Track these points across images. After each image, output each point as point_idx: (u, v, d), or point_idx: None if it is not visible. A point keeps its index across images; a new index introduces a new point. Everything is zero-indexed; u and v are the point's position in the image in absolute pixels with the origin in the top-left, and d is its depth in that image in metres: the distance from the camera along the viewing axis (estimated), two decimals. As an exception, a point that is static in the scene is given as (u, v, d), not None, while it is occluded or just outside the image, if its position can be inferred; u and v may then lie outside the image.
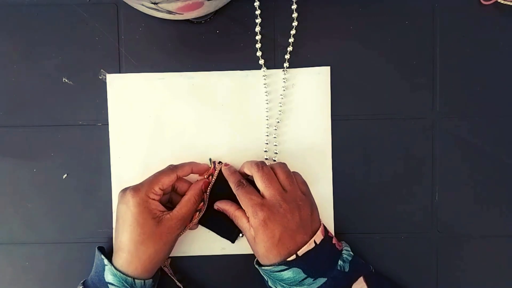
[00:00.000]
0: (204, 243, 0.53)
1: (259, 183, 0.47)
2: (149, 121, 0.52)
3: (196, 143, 0.52)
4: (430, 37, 0.53)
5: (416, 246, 0.53)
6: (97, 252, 0.49)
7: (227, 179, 0.50)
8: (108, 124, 0.52)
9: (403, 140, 0.53)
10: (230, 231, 0.52)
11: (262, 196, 0.47)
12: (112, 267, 0.46)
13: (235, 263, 0.53)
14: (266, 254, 0.46)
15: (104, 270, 0.47)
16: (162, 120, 0.52)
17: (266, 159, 0.52)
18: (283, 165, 0.49)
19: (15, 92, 0.53)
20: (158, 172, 0.48)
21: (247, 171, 0.49)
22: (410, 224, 0.53)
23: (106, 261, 0.47)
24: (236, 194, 0.49)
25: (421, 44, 0.53)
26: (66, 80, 0.53)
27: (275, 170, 0.48)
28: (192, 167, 0.50)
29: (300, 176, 0.51)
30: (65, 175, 0.53)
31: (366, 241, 0.53)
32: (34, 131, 0.53)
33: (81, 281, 0.49)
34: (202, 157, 0.52)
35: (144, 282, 0.47)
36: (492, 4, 0.52)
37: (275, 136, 0.52)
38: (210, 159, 0.52)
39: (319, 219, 0.49)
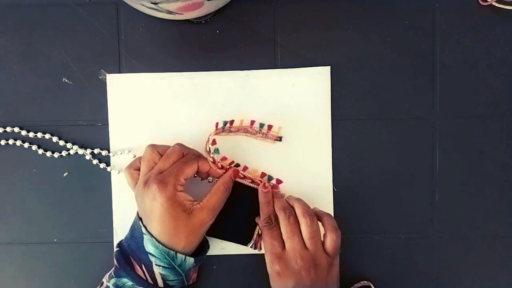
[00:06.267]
0: (204, 243, 0.53)
1: (283, 231, 0.48)
2: (149, 121, 0.52)
3: (196, 143, 0.52)
4: (430, 37, 0.53)
5: (416, 246, 0.53)
6: (138, 220, 0.47)
7: (260, 205, 0.50)
8: (108, 124, 0.53)
9: (403, 140, 0.53)
10: (243, 236, 0.52)
11: (283, 244, 0.48)
12: (154, 240, 0.45)
13: (235, 263, 0.53)
14: None
15: (143, 239, 0.46)
16: (162, 120, 0.52)
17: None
18: (311, 223, 0.48)
19: (15, 92, 0.53)
20: (180, 163, 0.47)
21: (275, 208, 0.50)
22: (410, 224, 0.53)
23: (144, 230, 0.46)
24: (260, 229, 0.50)
25: (421, 44, 0.53)
26: (66, 80, 0.53)
27: (301, 225, 0.48)
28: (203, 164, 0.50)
29: (334, 239, 0.48)
30: (66, 173, 0.53)
31: (366, 241, 0.53)
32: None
33: (117, 243, 0.48)
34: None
35: (185, 257, 0.46)
36: (490, 4, 0.52)
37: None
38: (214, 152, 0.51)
39: (337, 277, 0.48)
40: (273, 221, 0.49)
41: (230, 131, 0.52)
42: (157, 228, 0.45)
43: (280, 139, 0.52)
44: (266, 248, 0.48)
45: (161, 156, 0.48)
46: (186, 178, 0.47)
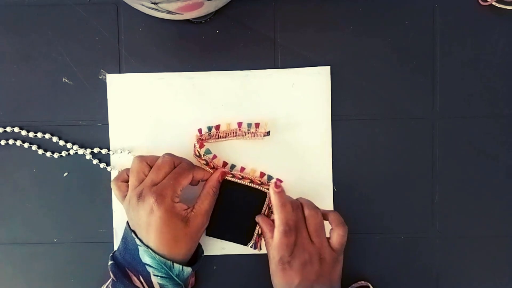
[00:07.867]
0: (204, 243, 0.52)
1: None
2: (149, 121, 0.52)
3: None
4: (430, 37, 0.53)
5: (416, 246, 0.53)
6: (130, 232, 0.47)
7: (274, 208, 0.47)
8: (108, 124, 0.53)
9: (403, 140, 0.53)
10: (243, 236, 0.51)
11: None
12: (150, 250, 0.45)
13: (235, 263, 0.53)
14: None
15: (138, 250, 0.45)
16: (162, 120, 0.52)
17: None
18: (316, 215, 0.48)
19: (15, 92, 0.53)
20: (176, 175, 0.47)
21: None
22: (410, 224, 0.53)
23: (139, 242, 0.45)
24: (261, 229, 0.49)
25: (421, 44, 0.53)
26: (66, 80, 0.53)
27: (306, 218, 0.48)
28: (204, 174, 0.50)
29: (340, 234, 0.48)
30: (66, 173, 0.53)
31: (366, 241, 0.53)
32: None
33: (110, 255, 0.48)
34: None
35: (182, 268, 0.46)
36: (490, 5, 0.52)
37: (275, 136, 0.52)
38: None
39: (340, 275, 0.48)
40: (292, 229, 0.46)
41: (219, 137, 0.52)
42: (156, 241, 0.45)
43: (268, 133, 0.51)
44: (275, 249, 0.47)
45: (150, 167, 0.48)
46: (182, 189, 0.47)
